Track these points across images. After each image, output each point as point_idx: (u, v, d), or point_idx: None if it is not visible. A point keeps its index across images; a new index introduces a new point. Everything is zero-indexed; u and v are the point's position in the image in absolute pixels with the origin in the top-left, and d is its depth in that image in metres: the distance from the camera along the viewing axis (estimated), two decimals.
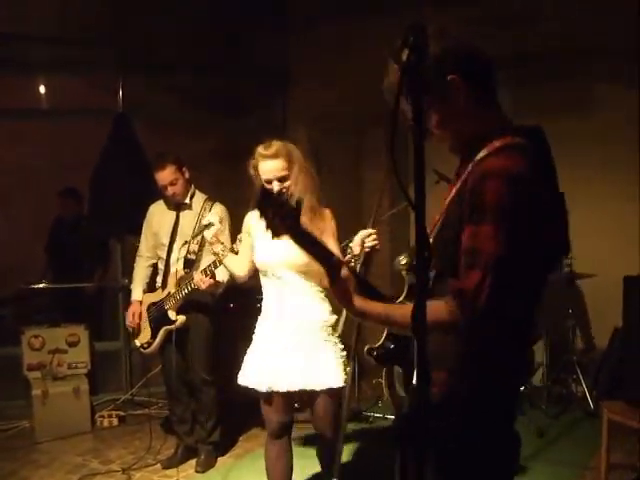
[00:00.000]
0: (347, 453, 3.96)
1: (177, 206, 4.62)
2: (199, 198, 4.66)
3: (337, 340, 3.41)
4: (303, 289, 3.34)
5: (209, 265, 4.07)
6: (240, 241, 3.78)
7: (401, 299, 2.06)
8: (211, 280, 4.10)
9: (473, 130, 1.88)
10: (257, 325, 3.50)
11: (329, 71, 6.45)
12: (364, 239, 3.10)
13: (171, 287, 4.46)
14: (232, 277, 4.32)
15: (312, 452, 3.78)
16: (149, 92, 6.49)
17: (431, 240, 1.90)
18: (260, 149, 3.36)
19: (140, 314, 4.64)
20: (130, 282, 4.95)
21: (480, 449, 1.86)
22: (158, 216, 4.72)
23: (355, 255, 3.16)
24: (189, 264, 4.48)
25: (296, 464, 3.61)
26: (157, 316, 4.53)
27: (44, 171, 7.23)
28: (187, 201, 4.61)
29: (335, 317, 3.38)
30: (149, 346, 4.58)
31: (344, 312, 2.98)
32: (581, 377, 5.67)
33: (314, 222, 3.24)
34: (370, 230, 3.13)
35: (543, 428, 5.18)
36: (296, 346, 3.31)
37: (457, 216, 1.78)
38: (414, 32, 1.43)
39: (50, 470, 4.76)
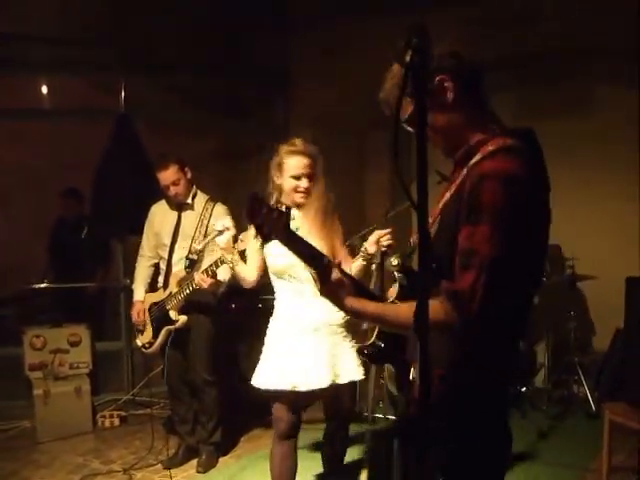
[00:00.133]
0: (349, 454, 3.95)
1: (179, 206, 4.63)
2: (201, 198, 4.66)
3: (350, 335, 3.44)
4: None
5: (210, 265, 4.08)
6: (242, 241, 3.80)
7: (392, 299, 2.07)
8: (212, 280, 4.11)
9: (465, 132, 1.89)
10: (271, 327, 3.50)
11: (330, 71, 6.46)
12: (380, 238, 3.13)
13: (173, 287, 4.46)
14: (234, 277, 4.35)
15: (310, 453, 3.78)
16: (150, 92, 6.50)
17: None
18: (288, 146, 3.36)
19: (144, 312, 4.64)
20: (132, 282, 4.95)
21: (475, 448, 1.88)
22: (160, 216, 4.73)
23: (369, 254, 3.20)
24: (191, 264, 4.48)
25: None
26: (159, 316, 4.53)
27: (45, 171, 7.24)
28: (189, 201, 4.61)
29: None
30: (151, 346, 4.58)
31: None
32: (583, 378, 5.66)
33: (328, 224, 3.31)
34: (386, 230, 3.17)
35: (544, 429, 5.18)
36: (319, 345, 3.34)
37: (453, 218, 1.80)
38: (417, 33, 1.43)
39: (51, 470, 4.76)
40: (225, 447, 4.95)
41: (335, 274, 1.90)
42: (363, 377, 3.44)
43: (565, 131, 6.19)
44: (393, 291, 2.08)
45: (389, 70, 1.97)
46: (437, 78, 1.84)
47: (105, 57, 6.14)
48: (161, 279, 4.70)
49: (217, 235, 3.36)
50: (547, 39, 5.78)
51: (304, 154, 3.32)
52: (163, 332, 4.50)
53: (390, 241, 3.11)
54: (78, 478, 4.59)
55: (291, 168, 3.30)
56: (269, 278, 3.52)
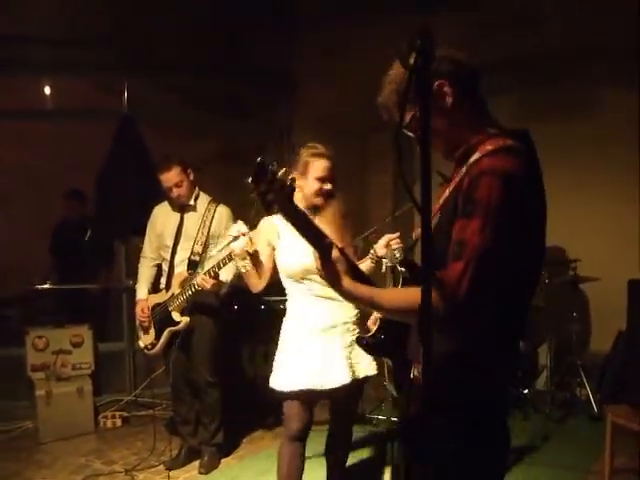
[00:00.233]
0: (351, 456, 3.95)
1: (181, 208, 4.63)
2: (203, 200, 4.67)
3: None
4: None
5: (213, 266, 4.11)
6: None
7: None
8: (215, 281, 4.14)
9: (464, 134, 1.93)
10: (285, 328, 3.49)
11: (332, 72, 6.46)
12: (390, 242, 3.18)
13: (175, 288, 4.46)
14: (236, 278, 4.39)
15: (313, 455, 3.78)
16: (152, 93, 6.50)
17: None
18: (311, 148, 3.38)
19: (148, 310, 4.64)
20: (134, 283, 4.95)
21: (475, 448, 1.91)
22: (162, 217, 4.73)
23: (378, 257, 3.25)
24: (193, 265, 4.49)
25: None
26: (161, 317, 4.54)
27: (48, 172, 7.25)
28: (191, 203, 4.62)
29: (357, 311, 3.44)
30: (153, 347, 4.59)
31: None
32: (585, 381, 5.65)
33: (342, 227, 3.34)
34: (396, 233, 3.24)
35: (546, 432, 5.18)
36: (334, 343, 3.36)
37: (451, 214, 1.83)
38: (421, 35, 1.44)
39: (53, 471, 4.76)
40: (227, 448, 4.95)
41: (335, 254, 1.91)
42: (377, 372, 3.47)
43: (566, 133, 6.20)
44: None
45: (387, 75, 1.99)
46: (436, 83, 1.87)
47: (107, 58, 6.13)
48: (163, 280, 4.71)
49: (232, 241, 3.35)
50: (548, 40, 5.78)
51: (328, 157, 3.36)
52: (165, 333, 4.50)
53: (400, 244, 3.14)
54: (80, 479, 4.59)
55: (316, 170, 3.32)
56: (272, 280, 3.52)
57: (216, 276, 4.14)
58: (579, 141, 6.24)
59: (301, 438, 3.43)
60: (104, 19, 5.99)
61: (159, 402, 5.84)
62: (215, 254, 3.93)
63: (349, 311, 3.41)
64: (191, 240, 4.55)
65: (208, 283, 4.13)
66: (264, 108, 7.01)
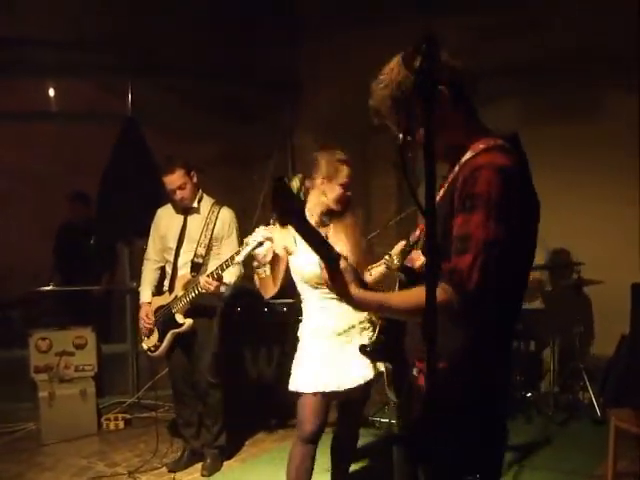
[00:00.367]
0: (354, 459, 3.95)
1: (185, 210, 4.63)
2: (207, 202, 4.67)
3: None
4: None
5: (216, 268, 4.12)
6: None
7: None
8: (218, 283, 4.15)
9: (458, 137, 1.99)
10: (304, 332, 3.50)
11: (336, 76, 6.46)
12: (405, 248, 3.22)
13: (178, 291, 4.47)
14: (239, 280, 4.40)
15: (318, 457, 3.76)
16: (156, 96, 6.52)
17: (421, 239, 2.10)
18: (336, 154, 3.43)
19: (152, 315, 4.64)
20: (138, 285, 4.95)
21: (475, 448, 1.98)
22: (166, 220, 4.74)
23: (393, 263, 3.26)
24: (196, 268, 4.50)
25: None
26: (164, 319, 4.54)
27: (52, 174, 7.27)
28: (195, 205, 4.62)
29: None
30: (156, 349, 4.58)
31: None
32: (588, 384, 5.64)
33: (357, 234, 3.45)
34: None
35: (549, 435, 5.17)
36: (349, 345, 3.38)
37: (446, 213, 1.88)
38: (427, 40, 1.45)
39: (56, 473, 4.76)
40: (229, 451, 4.94)
41: (342, 264, 1.93)
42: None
43: (570, 135, 6.20)
44: None
45: (378, 80, 2.04)
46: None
47: (111, 60, 6.15)
48: (167, 283, 4.71)
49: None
50: (548, 43, 5.79)
51: (350, 165, 3.43)
52: (169, 335, 4.51)
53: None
54: None
55: (342, 177, 3.38)
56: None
57: (219, 278, 4.16)
58: (581, 144, 6.24)
59: (314, 440, 3.43)
60: (107, 22, 6.00)
61: (162, 404, 5.85)
62: (241, 259, 3.91)
63: (363, 313, 3.42)
64: (194, 242, 4.55)
65: (211, 285, 4.15)
66: (267, 111, 7.02)
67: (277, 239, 3.41)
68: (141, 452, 5.11)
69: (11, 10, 5.61)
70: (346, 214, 3.46)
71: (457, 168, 1.94)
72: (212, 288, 4.17)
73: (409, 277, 2.10)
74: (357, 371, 3.36)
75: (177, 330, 4.48)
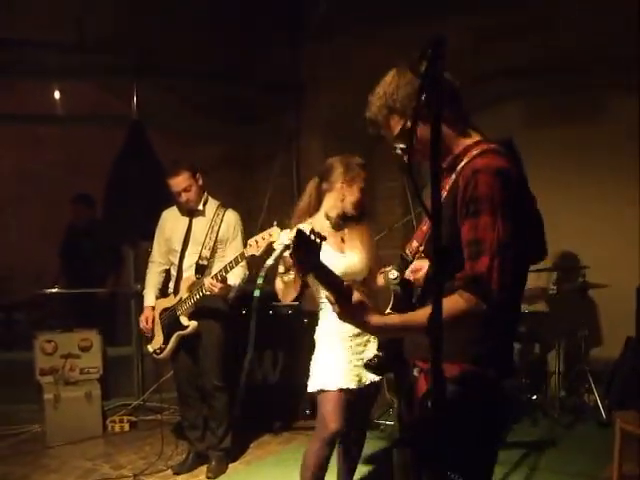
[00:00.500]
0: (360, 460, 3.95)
1: (190, 212, 4.64)
2: (212, 205, 4.68)
3: None
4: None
5: (220, 270, 4.13)
6: (250, 246, 3.86)
7: (388, 310, 2.15)
8: (222, 285, 4.15)
9: (450, 143, 2.04)
10: (323, 332, 3.53)
11: (341, 79, 6.47)
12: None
13: (183, 293, 4.47)
14: (244, 282, 4.41)
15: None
16: (162, 99, 6.53)
17: (421, 247, 2.15)
18: (359, 159, 3.52)
19: (153, 319, 4.66)
20: (143, 288, 4.96)
21: (475, 447, 2.01)
22: (171, 222, 4.74)
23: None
24: (201, 270, 4.50)
25: None
26: (169, 322, 4.54)
27: (57, 176, 7.29)
28: (200, 207, 4.62)
29: None
30: (161, 352, 4.59)
31: None
32: (593, 387, 5.63)
33: (371, 243, 3.57)
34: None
35: (555, 437, 5.16)
36: (366, 344, 3.45)
37: (447, 219, 1.89)
38: (433, 44, 1.46)
39: (61, 475, 4.76)
40: (234, 453, 4.94)
41: (356, 296, 1.94)
42: None
43: (574, 137, 6.20)
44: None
45: (374, 91, 2.11)
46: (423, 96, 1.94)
47: (116, 63, 6.17)
48: (172, 285, 4.72)
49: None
50: (553, 46, 5.79)
51: (366, 170, 3.52)
52: (174, 338, 4.51)
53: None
54: None
55: (361, 181, 3.49)
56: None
57: (224, 280, 4.16)
58: (586, 146, 6.24)
59: (335, 442, 3.46)
60: (116, 25, 6.02)
61: (167, 407, 5.84)
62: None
63: None
64: (199, 245, 4.56)
65: (216, 287, 4.16)
66: (271, 112, 7.02)
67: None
68: (146, 454, 5.11)
69: (11, 10, 5.63)
70: (362, 220, 3.54)
71: (454, 175, 1.98)
72: (216, 290, 4.18)
73: (404, 289, 2.12)
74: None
75: (182, 332, 4.48)
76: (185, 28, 6.16)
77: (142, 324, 4.67)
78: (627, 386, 5.34)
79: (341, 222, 3.51)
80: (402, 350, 2.19)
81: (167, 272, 4.81)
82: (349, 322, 1.97)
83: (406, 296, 2.12)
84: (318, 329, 3.57)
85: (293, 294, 3.45)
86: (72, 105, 7.23)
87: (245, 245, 4.05)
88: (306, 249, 1.84)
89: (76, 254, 6.72)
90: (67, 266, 6.84)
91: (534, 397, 5.74)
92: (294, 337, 5.81)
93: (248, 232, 4.49)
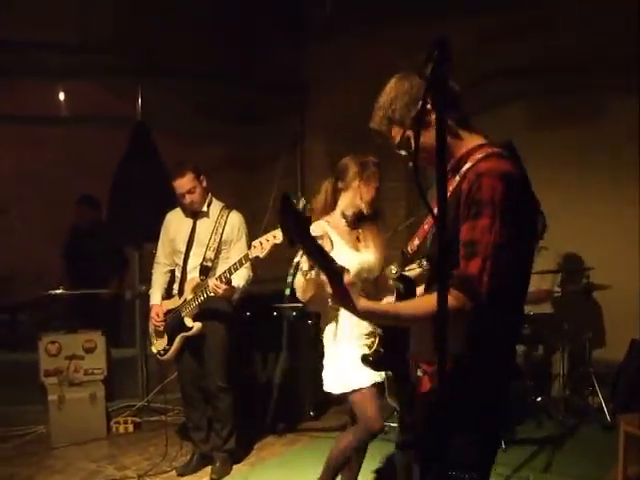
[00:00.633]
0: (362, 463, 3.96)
1: (194, 214, 4.65)
2: (216, 206, 4.68)
3: None
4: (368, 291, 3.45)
5: (224, 272, 4.14)
6: (255, 247, 3.87)
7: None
8: (227, 286, 4.16)
9: (452, 146, 2.07)
10: (344, 334, 3.51)
11: (345, 80, 6.47)
12: None
13: (187, 294, 4.48)
14: (248, 284, 4.42)
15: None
16: (166, 100, 6.53)
17: (417, 242, 2.22)
18: (374, 158, 3.60)
19: (163, 315, 4.65)
20: (147, 289, 4.97)
21: (475, 447, 2.05)
22: (175, 224, 4.75)
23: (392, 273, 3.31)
24: (205, 271, 4.51)
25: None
26: (174, 323, 4.55)
27: (61, 177, 7.29)
28: (204, 209, 4.63)
29: None
30: (166, 353, 4.60)
31: None
32: (598, 389, 5.62)
33: (383, 241, 3.61)
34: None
35: (559, 440, 5.15)
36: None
37: (450, 220, 1.91)
38: (438, 46, 1.46)
39: (65, 476, 4.77)
40: (239, 454, 4.94)
41: (347, 278, 1.96)
42: None
43: (575, 139, 6.20)
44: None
45: (376, 102, 2.16)
46: (420, 104, 1.95)
47: (119, 64, 6.17)
48: (176, 286, 4.72)
49: None
50: (554, 48, 5.80)
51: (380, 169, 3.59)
52: (178, 339, 4.52)
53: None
54: None
55: (377, 180, 3.58)
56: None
57: (228, 282, 4.17)
58: (586, 147, 6.23)
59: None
60: (120, 26, 6.03)
61: (171, 408, 5.85)
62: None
63: None
64: (203, 246, 4.56)
65: (220, 288, 4.17)
66: (275, 115, 7.03)
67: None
68: (150, 456, 5.11)
69: (12, 11, 5.64)
70: (376, 221, 3.61)
71: (458, 177, 2.01)
72: (221, 291, 4.19)
73: (406, 286, 2.16)
74: None
75: (186, 333, 4.49)
76: (191, 30, 6.17)
77: (153, 320, 4.66)
78: (632, 388, 5.33)
79: (356, 221, 3.56)
80: (404, 351, 2.21)
81: (172, 273, 4.81)
82: (339, 304, 2.00)
83: (406, 291, 2.15)
84: (332, 330, 3.56)
85: (312, 290, 3.45)
86: (74, 106, 7.24)
87: (249, 247, 4.06)
88: (293, 218, 1.83)
89: (80, 255, 6.72)
90: (71, 267, 6.84)
91: (538, 399, 5.73)
92: (298, 339, 5.82)
93: (252, 234, 4.50)
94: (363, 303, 1.99)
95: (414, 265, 3.41)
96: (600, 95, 6.21)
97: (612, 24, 5.34)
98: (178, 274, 4.70)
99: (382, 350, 2.25)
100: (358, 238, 3.59)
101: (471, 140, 2.08)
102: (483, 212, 1.87)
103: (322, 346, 3.63)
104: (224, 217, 4.62)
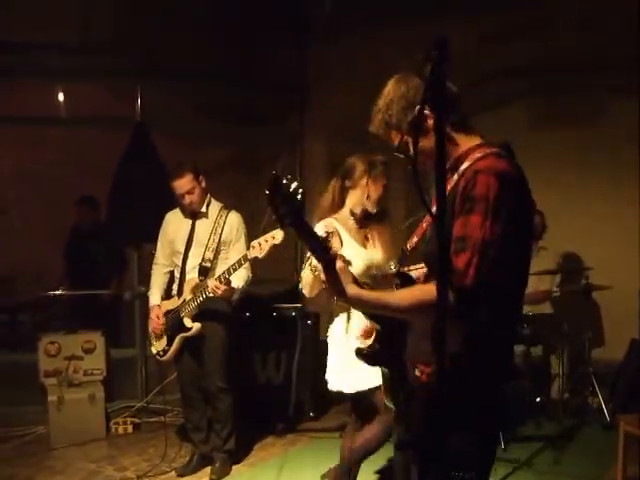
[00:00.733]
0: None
1: (193, 214, 4.65)
2: (215, 206, 4.69)
3: None
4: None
5: (223, 272, 4.14)
6: (254, 248, 3.88)
7: None
8: (226, 287, 4.16)
9: (450, 149, 2.07)
10: (351, 329, 3.51)
11: (346, 80, 6.47)
12: None
13: (187, 294, 4.48)
14: (247, 285, 4.42)
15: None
16: (166, 100, 6.52)
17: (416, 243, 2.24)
18: (381, 157, 3.62)
19: (163, 316, 4.65)
20: (147, 290, 4.97)
21: (475, 446, 2.05)
22: (174, 224, 4.75)
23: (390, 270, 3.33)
24: (204, 272, 4.51)
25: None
26: (173, 323, 4.55)
27: (61, 178, 7.29)
28: (203, 210, 4.63)
29: None
30: (165, 353, 4.60)
31: None
32: (597, 389, 5.62)
33: (391, 240, 3.62)
34: None
35: (559, 440, 5.15)
36: None
37: (447, 218, 1.90)
38: (437, 46, 1.46)
39: (65, 476, 4.77)
40: (238, 455, 4.94)
41: (339, 264, 1.99)
42: None
43: (575, 139, 6.20)
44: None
45: (375, 105, 2.16)
46: (416, 108, 1.99)
47: (120, 65, 6.17)
48: (175, 287, 4.72)
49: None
50: (554, 48, 5.80)
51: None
52: (178, 339, 4.52)
53: None
54: None
55: (384, 179, 3.61)
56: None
57: (227, 282, 4.17)
58: (586, 148, 6.24)
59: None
60: (114, 26, 6.02)
61: (171, 408, 5.84)
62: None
63: None
64: (202, 247, 4.56)
65: (220, 289, 4.17)
66: (279, 116, 7.03)
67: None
68: (150, 456, 5.11)
69: (13, 12, 5.63)
70: (383, 221, 3.65)
71: (456, 176, 2.02)
72: (220, 292, 4.19)
73: (404, 282, 2.17)
74: None
75: (185, 334, 4.49)
76: (191, 30, 6.17)
77: (153, 322, 4.66)
78: (631, 389, 5.33)
79: (364, 220, 3.60)
80: (401, 350, 2.21)
81: (171, 274, 4.81)
82: (332, 290, 2.01)
83: (403, 287, 2.16)
84: (342, 328, 3.56)
85: (319, 289, 3.45)
86: (74, 107, 7.24)
87: (248, 247, 4.06)
88: (283, 198, 1.82)
89: (80, 256, 6.73)
90: (71, 268, 6.84)
91: (538, 399, 5.73)
92: (298, 339, 5.82)
93: (251, 234, 4.50)
94: (352, 290, 2.01)
95: (420, 265, 3.43)
96: (600, 95, 6.22)
97: (612, 24, 5.34)
98: (177, 275, 4.70)
99: (378, 346, 2.25)
100: (366, 236, 3.62)
101: (469, 141, 2.09)
102: (475, 208, 1.87)
103: (320, 345, 3.64)
104: (223, 217, 4.62)
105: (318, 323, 5.87)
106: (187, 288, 4.49)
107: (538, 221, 5.58)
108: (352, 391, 3.47)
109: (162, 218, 4.84)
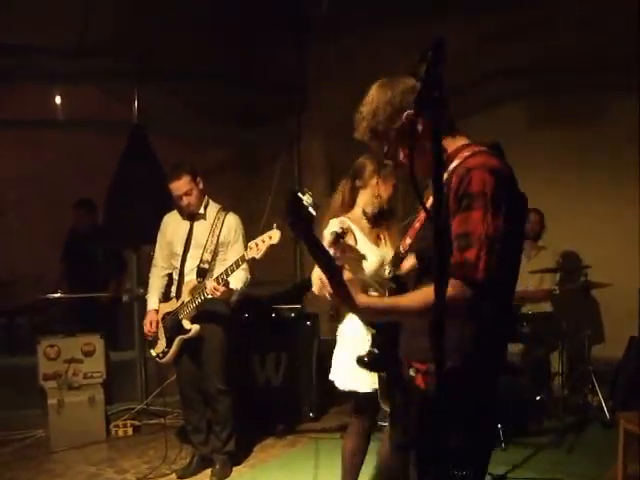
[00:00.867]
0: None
1: (191, 216, 4.64)
2: (213, 208, 4.68)
3: None
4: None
5: (222, 273, 4.13)
6: (251, 249, 3.87)
7: None
8: (224, 288, 4.16)
9: (444, 146, 2.05)
10: (356, 328, 3.46)
11: (345, 81, 6.47)
12: None
13: (185, 296, 4.47)
14: (246, 286, 4.42)
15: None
16: (163, 102, 6.52)
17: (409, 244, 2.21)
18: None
19: (157, 323, 4.65)
20: (145, 292, 4.96)
21: (474, 446, 2.06)
22: (172, 226, 4.75)
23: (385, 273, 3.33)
24: (202, 273, 4.50)
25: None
26: (172, 325, 4.55)
27: (59, 181, 7.28)
28: (201, 211, 4.63)
29: None
30: (164, 355, 4.59)
31: None
32: (597, 387, 5.62)
33: (398, 239, 3.50)
34: None
35: (559, 438, 5.15)
36: None
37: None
38: (433, 47, 1.46)
39: (65, 479, 4.77)
40: (238, 457, 4.94)
41: (346, 275, 2.00)
42: None
43: (575, 139, 6.20)
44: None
45: (359, 111, 2.16)
46: (404, 115, 2.02)
47: (118, 67, 6.17)
48: (174, 288, 4.72)
49: (336, 237, 3.35)
50: (554, 48, 5.80)
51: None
52: (177, 341, 4.51)
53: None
54: None
55: (394, 178, 3.62)
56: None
57: (226, 283, 4.16)
58: (586, 147, 6.24)
59: None
60: (118, 30, 6.01)
61: (170, 410, 5.85)
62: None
63: None
64: (200, 248, 4.56)
65: (218, 290, 4.16)
66: (277, 118, 7.02)
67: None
68: (150, 459, 5.11)
69: (11, 14, 5.63)
70: (392, 221, 3.65)
71: (446, 175, 2.00)
72: (218, 293, 4.18)
73: (398, 284, 2.18)
74: None
75: (184, 336, 4.49)
76: (189, 32, 6.16)
77: (146, 328, 4.67)
78: (631, 386, 5.33)
79: (375, 220, 3.61)
80: (396, 350, 2.22)
81: (170, 276, 4.81)
82: (340, 301, 1.99)
83: (399, 290, 2.17)
84: (358, 326, 3.45)
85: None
86: (73, 109, 7.23)
87: (246, 248, 4.06)
88: (298, 215, 1.83)
89: (78, 259, 6.72)
90: (69, 271, 6.83)
91: (537, 397, 5.72)
92: (297, 340, 5.82)
93: (249, 235, 4.49)
94: (362, 299, 2.00)
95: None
96: (600, 95, 6.22)
97: (612, 24, 5.34)
98: (175, 276, 4.70)
99: (376, 351, 2.25)
100: (379, 236, 3.64)
101: (454, 143, 2.09)
102: (474, 204, 1.87)
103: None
104: (221, 219, 4.62)
105: (317, 324, 5.87)
106: (185, 290, 4.49)
107: (534, 220, 5.59)
108: (368, 389, 3.43)
109: (161, 220, 4.83)
